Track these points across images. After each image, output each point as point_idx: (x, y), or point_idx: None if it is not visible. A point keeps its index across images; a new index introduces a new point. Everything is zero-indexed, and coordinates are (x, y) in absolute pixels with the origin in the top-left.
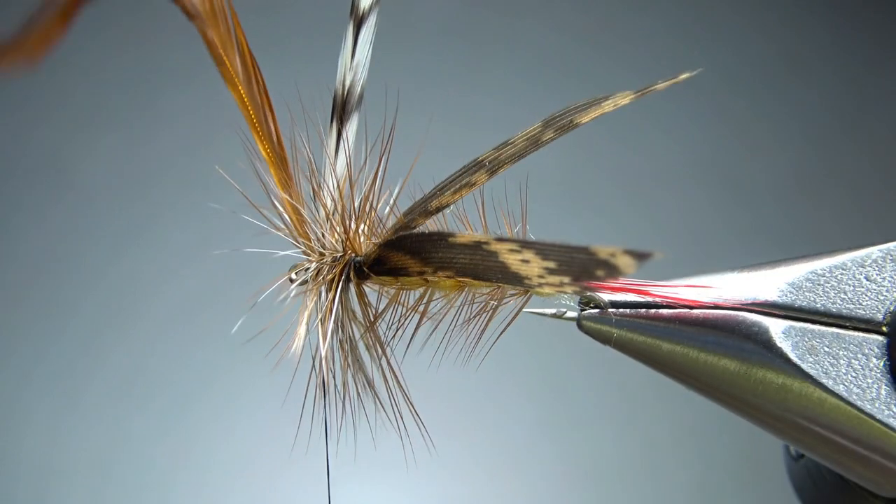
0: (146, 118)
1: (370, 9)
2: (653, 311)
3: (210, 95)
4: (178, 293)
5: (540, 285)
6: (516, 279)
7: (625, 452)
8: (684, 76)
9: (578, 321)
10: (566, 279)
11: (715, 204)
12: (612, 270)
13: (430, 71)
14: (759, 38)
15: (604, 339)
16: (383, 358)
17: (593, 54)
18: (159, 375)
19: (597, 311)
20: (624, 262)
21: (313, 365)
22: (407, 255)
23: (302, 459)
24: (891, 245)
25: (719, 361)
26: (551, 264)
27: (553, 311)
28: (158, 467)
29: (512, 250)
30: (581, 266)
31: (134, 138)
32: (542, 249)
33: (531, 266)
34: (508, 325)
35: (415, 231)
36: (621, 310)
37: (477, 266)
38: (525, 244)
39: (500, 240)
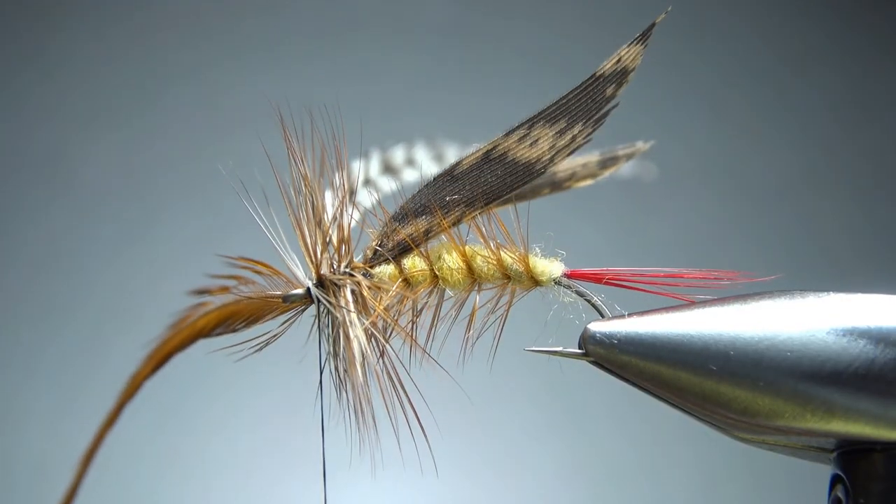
0: (146, 118)
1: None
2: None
3: (210, 96)
4: (177, 292)
5: (553, 159)
6: (529, 171)
7: (627, 452)
8: (640, 147)
9: (585, 341)
10: (578, 126)
11: (716, 202)
12: (621, 76)
13: (430, 70)
14: (761, 38)
15: (612, 364)
16: (384, 357)
17: (593, 54)
18: (158, 375)
19: (603, 319)
20: (630, 56)
21: (320, 367)
22: (417, 219)
23: (302, 460)
24: None
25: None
26: (561, 123)
27: (559, 348)
28: (158, 467)
29: (520, 138)
30: (591, 97)
31: (134, 138)
32: (549, 113)
33: (540, 144)
34: (507, 310)
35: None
36: (625, 315)
37: (488, 184)
38: (531, 121)
39: (506, 134)
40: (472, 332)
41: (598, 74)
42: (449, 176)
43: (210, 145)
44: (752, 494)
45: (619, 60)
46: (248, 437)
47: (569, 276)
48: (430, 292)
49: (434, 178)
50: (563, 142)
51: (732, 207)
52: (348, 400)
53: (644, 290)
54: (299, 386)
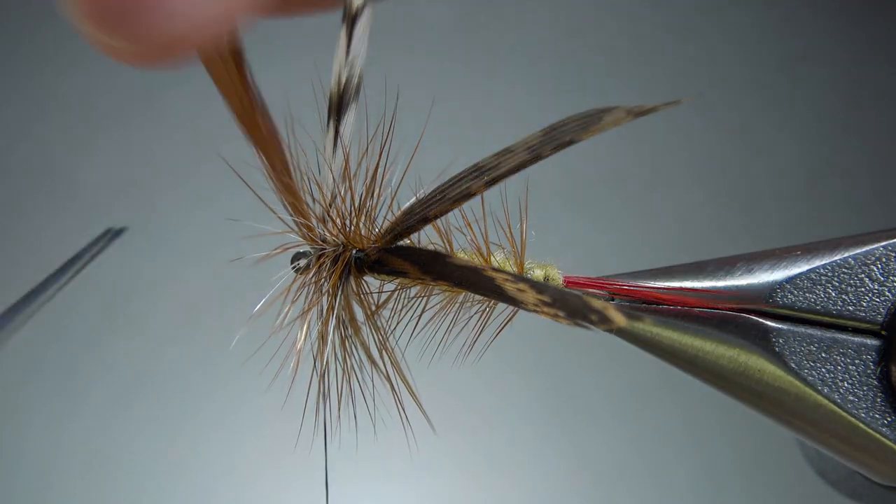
0: (146, 119)
1: (363, 5)
2: (652, 305)
3: (210, 95)
4: (177, 292)
5: (536, 311)
6: (513, 301)
7: (627, 450)
8: (684, 100)
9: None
10: (561, 313)
11: (715, 203)
12: (605, 320)
13: (432, 70)
14: (760, 36)
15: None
16: (384, 350)
17: (595, 52)
18: (158, 374)
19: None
20: (616, 316)
21: (314, 365)
22: (406, 262)
23: (302, 459)
24: (894, 240)
25: (717, 360)
26: (546, 298)
27: None
28: (156, 466)
29: (508, 280)
30: (575, 309)
31: (133, 139)
32: (537, 286)
33: (527, 294)
34: (506, 323)
35: (414, 247)
36: (620, 302)
37: (475, 284)
38: (519, 278)
39: (496, 270)
40: (469, 330)
41: (585, 300)
42: (442, 259)
43: (210, 145)
44: (756, 492)
45: (605, 308)
46: (248, 433)
47: (567, 285)
48: (421, 292)
49: (427, 249)
50: (546, 310)
51: (733, 206)
52: (350, 397)
53: (650, 296)
54: (301, 380)
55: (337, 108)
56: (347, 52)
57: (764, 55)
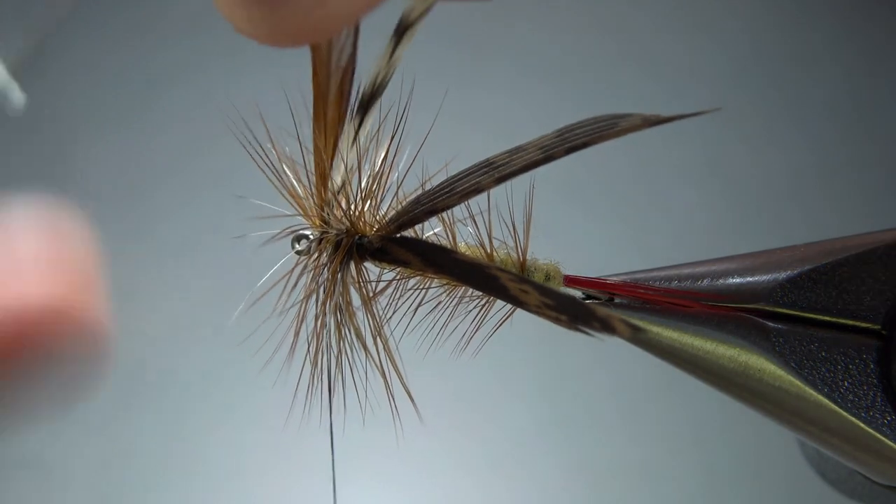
0: (146, 117)
1: (423, 15)
2: (652, 305)
3: (212, 94)
4: (177, 291)
5: (538, 313)
6: (515, 301)
7: (626, 448)
8: (703, 112)
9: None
10: (563, 318)
11: (716, 202)
12: (609, 330)
13: (435, 69)
14: (761, 34)
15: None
16: (378, 337)
17: (596, 52)
18: (158, 374)
19: (597, 302)
20: (620, 327)
21: (308, 349)
22: (409, 253)
23: (301, 457)
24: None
25: (717, 360)
26: (550, 301)
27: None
28: (155, 464)
29: (511, 280)
30: (578, 314)
31: (134, 138)
32: (542, 289)
33: (530, 296)
34: (505, 319)
35: (419, 238)
36: (620, 301)
37: (477, 281)
38: (524, 280)
39: (500, 270)
40: (469, 324)
41: (589, 309)
42: (447, 253)
43: (211, 144)
44: (754, 495)
45: (609, 317)
46: (248, 431)
47: (567, 283)
48: (421, 282)
49: (432, 243)
50: (549, 312)
51: (734, 206)
52: (344, 384)
53: (650, 296)
54: (300, 374)
55: (367, 104)
56: (391, 56)
57: (766, 52)
